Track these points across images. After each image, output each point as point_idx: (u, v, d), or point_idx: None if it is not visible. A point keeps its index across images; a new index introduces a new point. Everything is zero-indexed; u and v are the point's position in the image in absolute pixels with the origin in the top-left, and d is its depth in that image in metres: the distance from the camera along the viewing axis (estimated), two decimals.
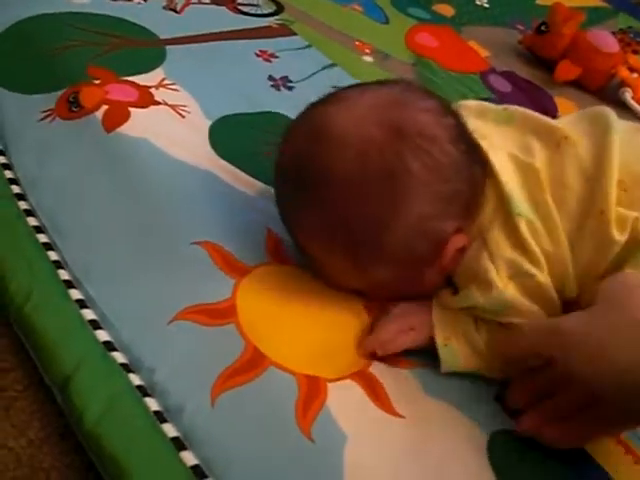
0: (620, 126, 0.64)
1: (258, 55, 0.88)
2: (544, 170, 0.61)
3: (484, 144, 0.62)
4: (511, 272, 0.59)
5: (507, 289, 0.59)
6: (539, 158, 0.62)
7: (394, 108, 0.59)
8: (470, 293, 0.61)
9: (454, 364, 0.61)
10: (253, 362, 0.56)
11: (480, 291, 0.60)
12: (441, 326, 0.62)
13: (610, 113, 0.65)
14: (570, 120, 0.67)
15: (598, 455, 0.59)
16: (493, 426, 0.59)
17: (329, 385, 0.57)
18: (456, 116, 0.62)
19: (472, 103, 0.70)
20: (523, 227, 0.59)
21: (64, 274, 0.61)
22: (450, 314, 0.63)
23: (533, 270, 0.59)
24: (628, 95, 1.07)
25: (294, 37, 0.94)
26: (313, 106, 0.62)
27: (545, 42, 1.11)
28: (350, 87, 0.64)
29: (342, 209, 0.58)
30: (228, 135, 0.75)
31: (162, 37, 0.86)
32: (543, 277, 0.60)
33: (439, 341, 0.61)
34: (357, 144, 0.58)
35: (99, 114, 0.71)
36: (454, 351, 0.61)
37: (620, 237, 0.59)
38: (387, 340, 0.61)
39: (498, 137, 0.64)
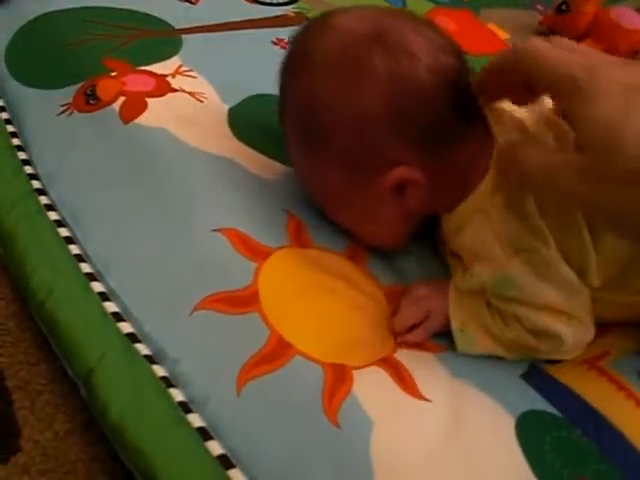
0: None
1: (275, 43, 0.87)
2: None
3: (491, 117, 0.61)
4: (516, 247, 0.57)
5: (512, 264, 0.57)
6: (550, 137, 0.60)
7: (392, 19, 0.60)
8: (475, 271, 0.60)
9: (469, 348, 0.61)
10: (278, 351, 0.55)
11: (484, 268, 0.59)
12: (457, 311, 0.61)
13: None
14: None
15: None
16: (520, 407, 0.58)
17: (355, 372, 0.56)
18: (452, 62, 0.59)
19: None
20: (529, 199, 0.57)
21: (86, 267, 0.61)
22: (467, 298, 0.62)
23: (538, 245, 0.57)
24: None
25: None
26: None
27: (566, 21, 1.09)
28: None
29: (305, 86, 0.61)
30: (246, 119, 0.75)
31: (178, 27, 0.86)
32: (550, 252, 0.57)
33: (454, 326, 0.61)
34: (343, 33, 0.59)
35: (116, 106, 0.71)
36: (470, 336, 0.61)
37: None
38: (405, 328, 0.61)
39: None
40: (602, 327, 0.64)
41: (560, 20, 1.10)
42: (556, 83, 0.49)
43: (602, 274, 0.60)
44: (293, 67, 0.63)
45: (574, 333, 0.59)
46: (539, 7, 1.19)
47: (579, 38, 1.07)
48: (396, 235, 0.66)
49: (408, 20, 0.61)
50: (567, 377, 0.62)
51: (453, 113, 0.58)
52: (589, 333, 0.61)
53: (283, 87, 0.64)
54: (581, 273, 0.59)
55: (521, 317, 0.59)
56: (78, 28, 0.81)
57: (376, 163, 0.59)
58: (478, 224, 0.59)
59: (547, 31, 1.12)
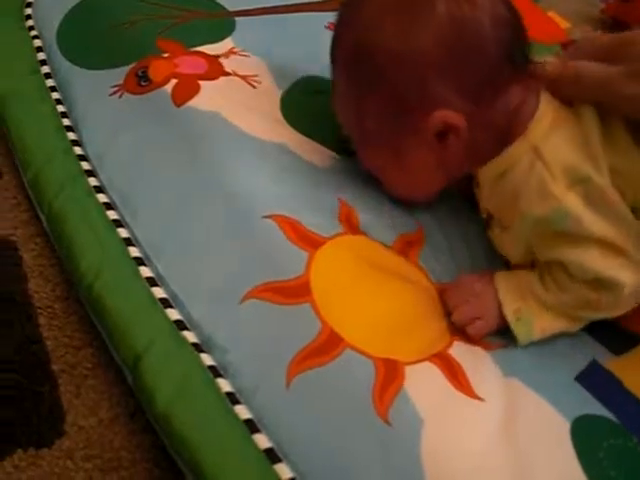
0: None
1: (328, 28, 0.85)
2: None
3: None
4: (570, 179, 0.56)
5: (567, 197, 0.56)
6: None
7: None
8: (525, 210, 0.58)
9: (529, 336, 0.59)
10: (329, 344, 0.54)
11: (537, 205, 0.57)
12: (508, 297, 0.60)
13: None
14: None
15: None
16: (575, 410, 0.56)
17: (407, 368, 0.54)
18: (509, 16, 0.59)
19: None
20: (593, 133, 0.56)
21: (134, 251, 0.60)
22: (513, 280, 0.60)
23: (592, 173, 0.55)
24: None
25: None
26: None
27: (630, 9, 1.05)
28: None
29: (362, 24, 0.60)
30: (299, 105, 0.73)
31: (231, 9, 0.84)
32: (603, 181, 0.56)
33: (510, 318, 0.59)
34: None
35: (168, 88, 0.69)
36: (527, 322, 0.59)
37: None
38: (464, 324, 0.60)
39: None
40: None
41: (624, 8, 1.06)
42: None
43: None
44: (349, 5, 0.63)
45: (630, 275, 0.57)
46: None
47: None
48: (428, 188, 0.65)
49: None
50: (629, 375, 0.60)
51: (506, 63, 0.58)
52: None
53: (339, 20, 0.63)
54: (635, 210, 0.57)
55: (571, 265, 0.57)
56: (131, 8, 0.80)
57: (422, 103, 0.59)
58: (528, 162, 0.58)
59: (609, 20, 1.08)
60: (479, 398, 0.54)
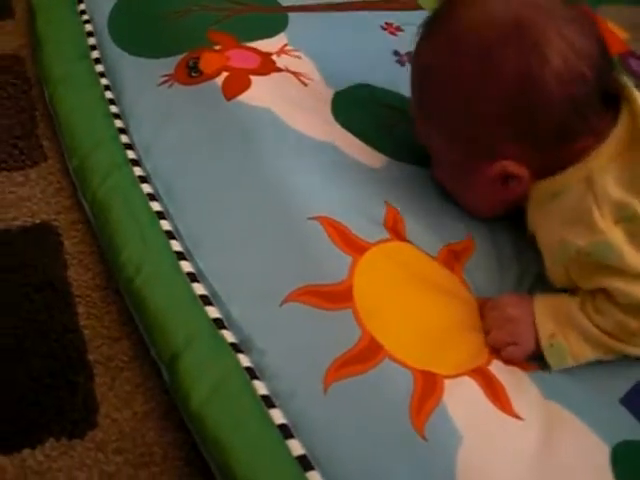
0: None
1: (384, 28, 0.84)
2: None
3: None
4: (618, 215, 0.56)
5: (612, 232, 0.55)
6: None
7: (538, 9, 0.58)
8: (569, 238, 0.57)
9: (562, 361, 0.58)
10: (369, 352, 0.53)
11: (581, 235, 0.57)
12: (544, 321, 0.59)
13: None
14: None
15: None
16: (617, 436, 0.55)
17: (446, 381, 0.54)
18: (594, 51, 0.58)
19: None
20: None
21: (176, 245, 0.60)
22: (553, 304, 0.60)
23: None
24: None
25: (421, 11, 0.89)
26: None
27: None
28: None
29: (435, 53, 0.61)
30: (351, 106, 0.73)
31: (284, 4, 0.84)
32: None
33: (543, 343, 0.58)
34: (485, 12, 0.59)
35: (219, 81, 0.69)
36: (560, 347, 0.58)
37: None
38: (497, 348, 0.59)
39: None
40: None
41: None
42: None
43: None
44: (430, 30, 0.63)
45: None
46: None
47: None
48: (492, 212, 0.66)
49: (555, 13, 0.58)
50: None
51: (574, 119, 0.58)
52: None
53: (417, 46, 0.64)
54: None
55: (615, 291, 0.56)
56: None
57: (483, 151, 0.60)
58: (579, 191, 0.58)
59: None
60: (519, 417, 0.53)
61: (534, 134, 0.58)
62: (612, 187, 0.56)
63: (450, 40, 0.61)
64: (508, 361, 0.58)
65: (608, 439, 0.54)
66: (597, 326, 0.58)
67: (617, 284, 0.56)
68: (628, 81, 0.60)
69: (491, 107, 0.58)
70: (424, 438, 0.50)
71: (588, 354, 0.58)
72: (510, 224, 0.66)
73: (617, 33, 1.02)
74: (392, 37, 0.84)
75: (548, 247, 0.61)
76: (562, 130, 0.58)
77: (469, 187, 0.64)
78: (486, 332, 0.59)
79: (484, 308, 0.61)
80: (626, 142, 0.58)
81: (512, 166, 0.59)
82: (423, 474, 0.49)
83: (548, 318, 0.59)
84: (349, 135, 0.69)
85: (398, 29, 0.85)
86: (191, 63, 0.71)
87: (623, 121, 0.58)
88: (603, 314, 0.57)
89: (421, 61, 0.64)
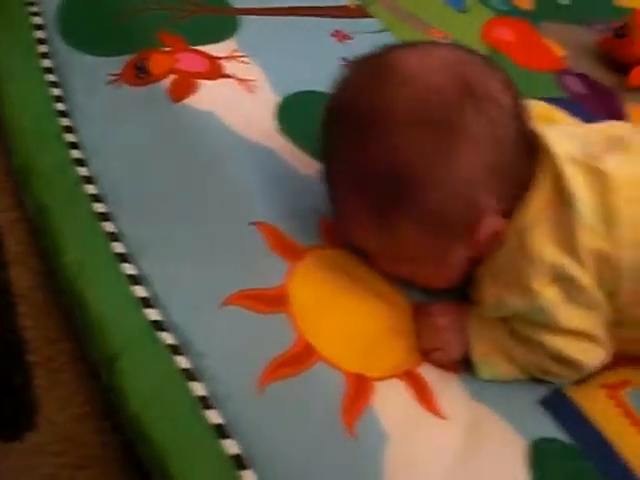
0: None
1: (333, 35, 0.86)
2: (612, 173, 0.58)
3: (550, 138, 0.60)
4: (552, 275, 0.56)
5: (545, 293, 0.56)
6: (609, 163, 0.58)
7: (467, 65, 0.58)
8: (507, 301, 0.58)
9: (491, 377, 0.60)
10: (302, 355, 0.55)
11: (517, 297, 0.58)
12: (478, 343, 0.60)
13: None
14: None
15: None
16: (535, 433, 0.58)
17: (376, 384, 0.56)
18: (517, 95, 0.60)
19: (539, 105, 0.69)
20: (578, 227, 0.56)
21: (118, 247, 0.60)
22: (488, 329, 0.61)
23: (576, 273, 0.56)
24: None
25: (370, 19, 0.91)
26: (379, 51, 0.61)
27: (622, 46, 1.06)
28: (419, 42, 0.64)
29: (389, 148, 0.56)
30: (296, 114, 0.73)
31: (237, 6, 0.84)
32: (587, 279, 0.56)
33: (477, 359, 0.60)
34: (422, 87, 0.56)
35: (166, 83, 0.69)
36: (493, 364, 0.60)
37: None
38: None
39: (564, 138, 0.61)
40: (622, 357, 0.63)
41: (617, 44, 1.06)
42: None
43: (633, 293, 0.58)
44: (359, 124, 0.58)
45: (593, 357, 0.59)
46: (598, 27, 1.15)
47: (633, 65, 1.04)
48: (454, 280, 0.63)
49: (477, 61, 0.60)
50: (586, 403, 0.61)
51: (523, 150, 0.59)
52: (605, 353, 0.60)
53: (341, 144, 0.60)
54: (612, 293, 0.58)
55: (546, 345, 0.58)
56: None
57: (468, 219, 0.58)
58: (513, 247, 0.58)
59: (603, 53, 1.10)
60: (444, 417, 0.56)
61: (506, 183, 0.58)
62: (544, 246, 0.56)
63: (397, 129, 0.56)
64: (434, 364, 0.60)
65: (526, 437, 0.57)
66: (525, 358, 0.59)
67: (548, 339, 0.58)
68: (543, 131, 0.61)
69: (470, 176, 0.56)
70: (354, 437, 0.52)
71: (515, 376, 0.60)
72: None
73: (555, 50, 1.05)
74: (340, 44, 0.85)
75: (485, 298, 0.61)
76: (522, 169, 0.58)
77: (436, 266, 0.61)
78: (417, 336, 0.61)
79: (417, 313, 0.62)
80: (550, 194, 0.58)
81: (497, 222, 0.58)
82: (352, 472, 0.51)
83: (482, 339, 0.60)
84: (292, 144, 0.70)
85: (347, 37, 0.86)
86: (140, 64, 0.71)
87: (544, 172, 0.59)
88: (533, 352, 0.59)
89: (363, 161, 0.58)
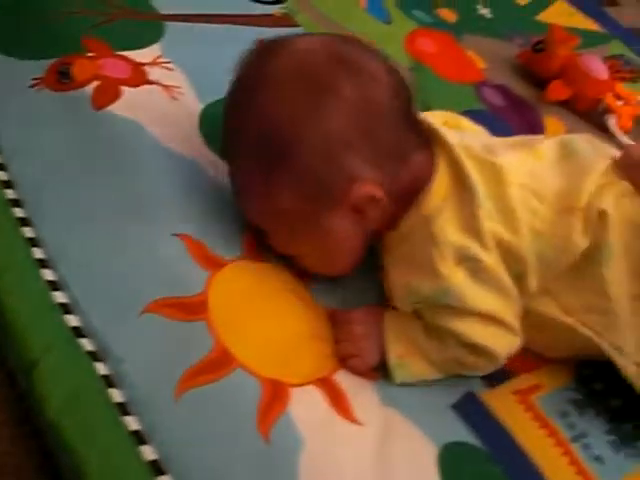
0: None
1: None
2: (507, 167, 0.63)
3: (442, 129, 0.65)
4: (456, 257, 0.59)
5: (453, 275, 0.59)
6: (504, 158, 0.63)
7: (350, 45, 0.63)
8: (414, 285, 0.61)
9: (406, 378, 0.63)
10: (220, 362, 0.56)
11: (424, 281, 0.60)
12: (393, 346, 0.62)
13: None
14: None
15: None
16: (445, 438, 0.60)
17: (292, 390, 0.57)
18: (402, 80, 0.64)
19: (447, 114, 0.73)
20: (479, 210, 0.60)
21: (38, 252, 0.60)
22: (401, 328, 0.63)
23: (480, 253, 0.59)
24: (612, 121, 1.08)
25: (296, 29, 0.92)
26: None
27: (540, 61, 1.10)
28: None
29: (264, 112, 0.60)
30: (218, 123, 0.71)
31: (162, 12, 0.84)
32: (492, 260, 0.60)
33: (392, 362, 0.62)
34: (301, 56, 0.61)
35: (89, 89, 0.69)
36: (407, 366, 0.62)
37: (583, 240, 0.61)
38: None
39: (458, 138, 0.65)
40: (537, 361, 0.68)
41: (535, 58, 1.11)
42: None
43: (539, 280, 0.62)
44: (245, 91, 0.63)
45: (504, 343, 0.62)
46: (518, 41, 1.19)
47: (550, 78, 1.08)
48: (349, 260, 0.66)
49: (358, 44, 0.64)
50: (498, 407, 0.64)
51: (407, 129, 0.63)
52: (517, 341, 0.62)
53: (231, 112, 0.64)
54: (519, 277, 0.61)
55: (456, 331, 0.60)
56: None
57: (339, 182, 0.60)
58: (421, 235, 0.61)
59: (522, 67, 1.14)
60: (359, 423, 0.58)
61: (379, 150, 0.60)
62: (450, 230, 0.59)
63: (274, 90, 0.60)
64: (351, 371, 0.62)
65: (437, 441, 0.59)
66: (439, 354, 0.62)
67: (458, 325, 0.60)
68: (436, 125, 0.65)
69: (338, 135, 0.59)
70: (269, 443, 0.53)
71: (431, 374, 0.63)
72: None
73: (476, 62, 1.09)
74: None
75: (396, 289, 0.64)
76: (399, 142, 0.62)
77: (323, 240, 0.63)
78: (334, 343, 0.63)
79: (334, 320, 0.64)
80: (450, 182, 0.62)
81: (370, 187, 0.60)
82: (267, 477, 0.52)
83: (397, 341, 0.62)
84: (214, 153, 0.71)
85: None
86: (62, 69, 0.71)
87: (442, 163, 0.63)
88: (445, 345, 0.61)
89: (245, 123, 0.62)
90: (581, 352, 0.67)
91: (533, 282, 0.62)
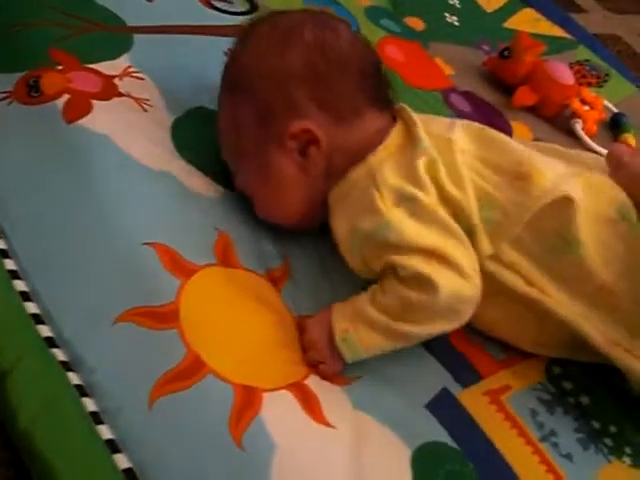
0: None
1: (226, 54, 0.86)
2: (461, 141, 0.66)
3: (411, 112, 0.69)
4: (395, 198, 0.62)
5: (391, 212, 0.61)
6: (457, 136, 0.67)
7: (328, 15, 0.72)
8: (357, 224, 0.63)
9: (356, 354, 0.62)
10: (192, 369, 0.57)
11: (365, 220, 0.62)
12: (337, 325, 0.63)
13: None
14: None
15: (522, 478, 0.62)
16: (419, 439, 0.61)
17: (264, 395, 0.58)
18: (367, 49, 0.71)
19: None
20: (419, 161, 0.63)
21: (10, 264, 0.61)
22: (347, 306, 0.63)
23: (417, 192, 0.62)
24: (578, 126, 1.10)
25: None
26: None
27: (506, 67, 1.13)
28: None
29: (245, 53, 0.69)
30: (190, 133, 0.75)
31: (130, 24, 0.84)
32: (429, 199, 0.62)
33: (337, 340, 0.62)
34: (279, 15, 0.70)
35: (60, 103, 0.69)
36: (353, 340, 0.62)
37: (533, 203, 0.63)
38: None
39: (424, 120, 0.69)
40: (507, 360, 0.70)
41: (501, 65, 1.13)
42: None
43: (493, 245, 0.64)
44: (237, 43, 0.71)
45: (449, 280, 0.60)
46: (485, 47, 1.22)
47: (517, 84, 1.11)
48: (294, 209, 0.69)
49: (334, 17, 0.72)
50: (471, 407, 0.65)
51: (366, 89, 0.67)
52: (470, 287, 0.61)
53: (229, 55, 0.72)
54: (469, 234, 0.63)
55: (396, 265, 0.61)
56: (28, 9, 0.79)
57: (285, 112, 0.65)
58: (364, 187, 0.64)
59: (489, 73, 1.16)
60: (331, 426, 0.58)
61: (330, 97, 0.66)
62: (390, 175, 0.63)
63: (255, 41, 0.69)
64: (321, 377, 0.63)
65: (410, 442, 0.60)
66: (384, 310, 0.61)
67: (397, 258, 0.60)
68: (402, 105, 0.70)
69: (293, 71, 0.65)
70: (241, 448, 0.54)
71: (379, 343, 0.62)
72: (323, 246, 0.71)
73: (443, 69, 1.11)
74: None
75: (342, 240, 0.66)
76: (354, 98, 0.66)
77: (270, 176, 0.68)
78: (302, 350, 0.64)
79: (299, 328, 0.65)
80: (400, 142, 0.66)
81: (310, 125, 0.65)
82: None
83: (341, 318, 0.63)
84: (186, 164, 0.72)
85: None
86: (32, 81, 0.71)
87: (398, 128, 0.67)
88: (388, 292, 0.61)
89: (231, 69, 0.71)
90: (549, 340, 0.69)
91: (484, 243, 0.64)
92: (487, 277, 0.63)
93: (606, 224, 0.64)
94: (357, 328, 0.62)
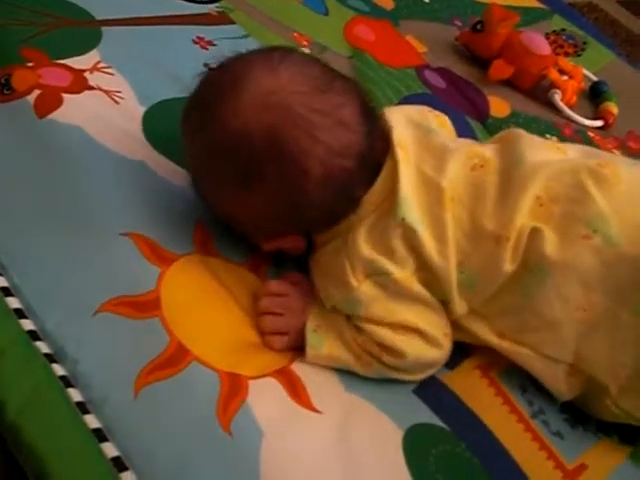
0: (531, 149, 0.66)
1: (195, 42, 0.87)
2: (450, 189, 0.63)
3: (400, 154, 0.63)
4: (367, 269, 0.61)
5: (362, 288, 0.61)
6: (449, 178, 0.63)
7: (288, 113, 0.60)
8: (329, 293, 0.63)
9: (318, 349, 0.63)
10: (176, 357, 0.57)
11: (337, 289, 0.62)
12: (315, 318, 0.64)
13: (522, 137, 0.68)
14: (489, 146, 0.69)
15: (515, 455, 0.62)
16: (409, 421, 0.62)
17: (250, 382, 0.59)
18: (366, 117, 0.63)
19: (410, 110, 0.72)
20: (395, 232, 0.61)
21: None
22: (328, 311, 0.64)
23: (390, 267, 0.61)
24: (557, 97, 1.10)
25: (232, 26, 0.94)
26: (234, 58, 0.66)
27: (480, 41, 1.12)
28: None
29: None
30: (161, 123, 0.75)
31: (98, 18, 0.84)
32: (402, 274, 0.61)
33: (308, 327, 0.63)
34: (243, 126, 0.60)
35: (31, 99, 0.70)
36: (321, 337, 0.63)
37: (509, 267, 0.61)
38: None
39: (417, 149, 0.65)
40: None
41: (475, 39, 1.13)
42: None
43: (467, 306, 0.64)
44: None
45: (415, 348, 0.62)
46: (457, 23, 1.21)
47: (492, 58, 1.10)
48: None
49: (308, 114, 0.60)
50: (460, 386, 0.66)
51: (341, 203, 0.63)
52: (437, 352, 0.63)
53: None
54: (445, 296, 0.63)
55: (366, 330, 0.62)
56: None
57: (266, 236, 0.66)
58: (337, 245, 0.63)
59: (463, 48, 1.16)
60: (317, 411, 0.59)
61: (304, 225, 0.64)
62: (363, 244, 0.61)
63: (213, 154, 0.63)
64: (270, 348, 0.63)
65: (402, 424, 0.61)
66: (352, 337, 0.63)
67: (367, 326, 0.62)
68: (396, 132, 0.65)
69: (268, 209, 0.63)
70: (230, 435, 0.54)
71: (343, 358, 0.63)
72: None
73: (416, 47, 1.11)
74: (204, 51, 0.87)
75: (317, 289, 0.66)
76: (331, 215, 0.63)
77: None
78: (258, 313, 0.64)
79: (265, 291, 0.66)
80: (383, 197, 0.63)
81: (286, 243, 0.66)
82: (229, 468, 0.54)
83: (320, 316, 0.64)
84: (159, 154, 0.72)
85: (210, 43, 0.88)
86: (3, 80, 0.72)
87: (384, 175, 0.63)
88: (362, 335, 0.62)
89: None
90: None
91: (460, 306, 0.64)
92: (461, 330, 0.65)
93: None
94: (327, 332, 0.63)
